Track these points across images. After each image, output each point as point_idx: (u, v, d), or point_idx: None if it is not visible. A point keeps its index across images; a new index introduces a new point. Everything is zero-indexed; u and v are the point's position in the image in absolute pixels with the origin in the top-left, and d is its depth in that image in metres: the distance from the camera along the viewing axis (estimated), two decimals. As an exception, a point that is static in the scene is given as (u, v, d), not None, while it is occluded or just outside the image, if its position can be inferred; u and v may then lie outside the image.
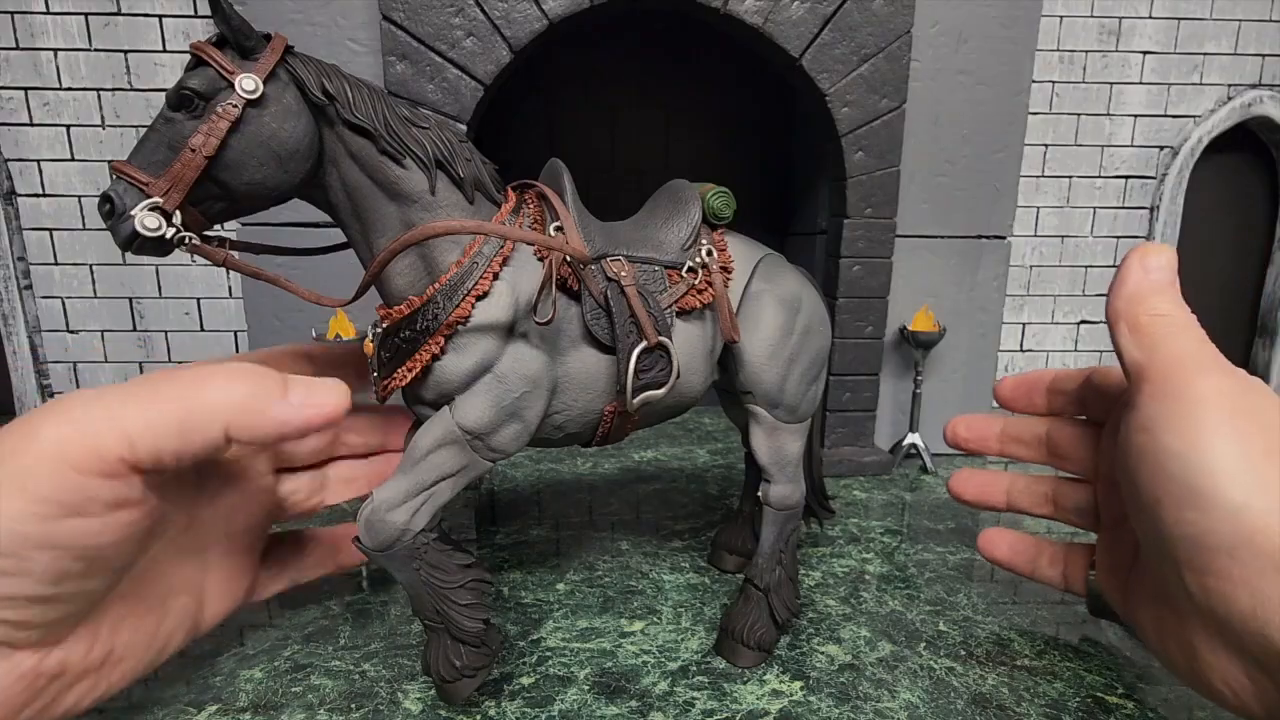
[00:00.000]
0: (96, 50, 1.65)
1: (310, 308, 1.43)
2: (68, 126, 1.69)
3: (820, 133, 1.51)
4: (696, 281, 0.69)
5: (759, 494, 0.81)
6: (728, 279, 0.72)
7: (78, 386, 1.81)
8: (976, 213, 1.53)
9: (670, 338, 0.67)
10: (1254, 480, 0.48)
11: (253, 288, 1.47)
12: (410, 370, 0.56)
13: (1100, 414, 0.74)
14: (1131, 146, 1.93)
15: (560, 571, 0.99)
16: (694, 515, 1.22)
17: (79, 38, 1.64)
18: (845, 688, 0.72)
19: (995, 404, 0.89)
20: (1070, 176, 1.94)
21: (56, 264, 1.75)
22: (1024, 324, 2.00)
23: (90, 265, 1.75)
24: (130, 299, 1.77)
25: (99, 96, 1.68)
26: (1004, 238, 1.55)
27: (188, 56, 0.44)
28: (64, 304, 1.77)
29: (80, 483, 0.44)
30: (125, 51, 1.66)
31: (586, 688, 0.71)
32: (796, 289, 0.76)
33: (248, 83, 0.46)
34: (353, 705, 0.69)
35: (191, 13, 1.64)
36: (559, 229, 0.61)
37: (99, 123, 1.69)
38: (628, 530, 1.14)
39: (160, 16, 1.64)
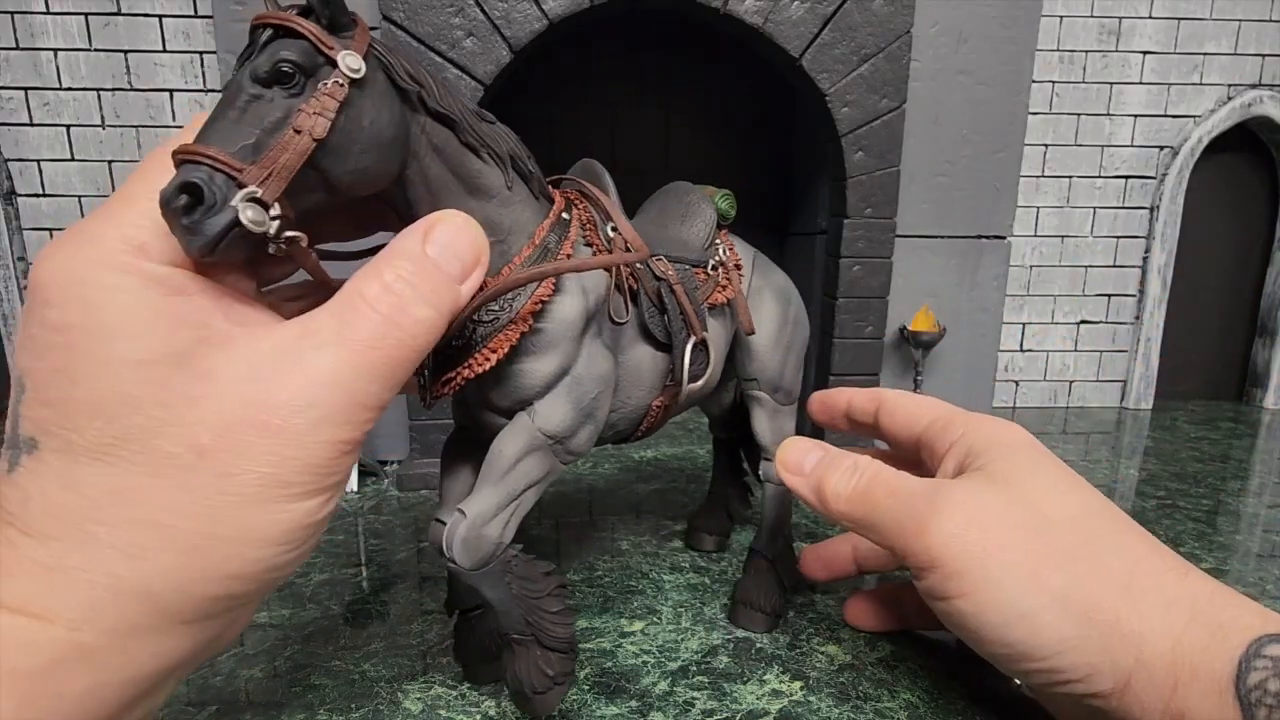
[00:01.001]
0: (96, 50, 1.65)
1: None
2: (68, 126, 1.69)
3: (820, 133, 1.51)
4: (719, 279, 0.74)
5: (760, 473, 0.88)
6: (740, 275, 0.77)
7: (78, 386, 1.81)
8: (976, 213, 1.53)
9: (708, 330, 0.71)
10: (1062, 612, 0.48)
11: (253, 288, 1.47)
12: (494, 351, 0.52)
13: (896, 445, 0.75)
14: (1131, 146, 1.93)
15: (560, 571, 0.99)
16: (693, 516, 1.22)
17: (79, 38, 1.64)
18: (845, 687, 0.72)
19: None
20: (1070, 176, 1.94)
21: (56, 264, 1.74)
22: (1024, 324, 2.00)
23: (90, 265, 1.75)
24: (130, 299, 1.77)
25: (99, 96, 1.68)
26: (1004, 238, 1.55)
27: (261, 28, 0.40)
28: (64, 304, 1.76)
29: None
30: (125, 51, 1.66)
31: (586, 688, 0.71)
32: (785, 283, 0.84)
33: (353, 60, 0.41)
34: (353, 705, 0.69)
35: (191, 12, 1.64)
36: (615, 230, 0.62)
37: (99, 123, 1.69)
38: (628, 530, 1.14)
39: (160, 17, 1.64)
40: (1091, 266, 1.99)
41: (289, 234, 0.38)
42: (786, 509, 0.87)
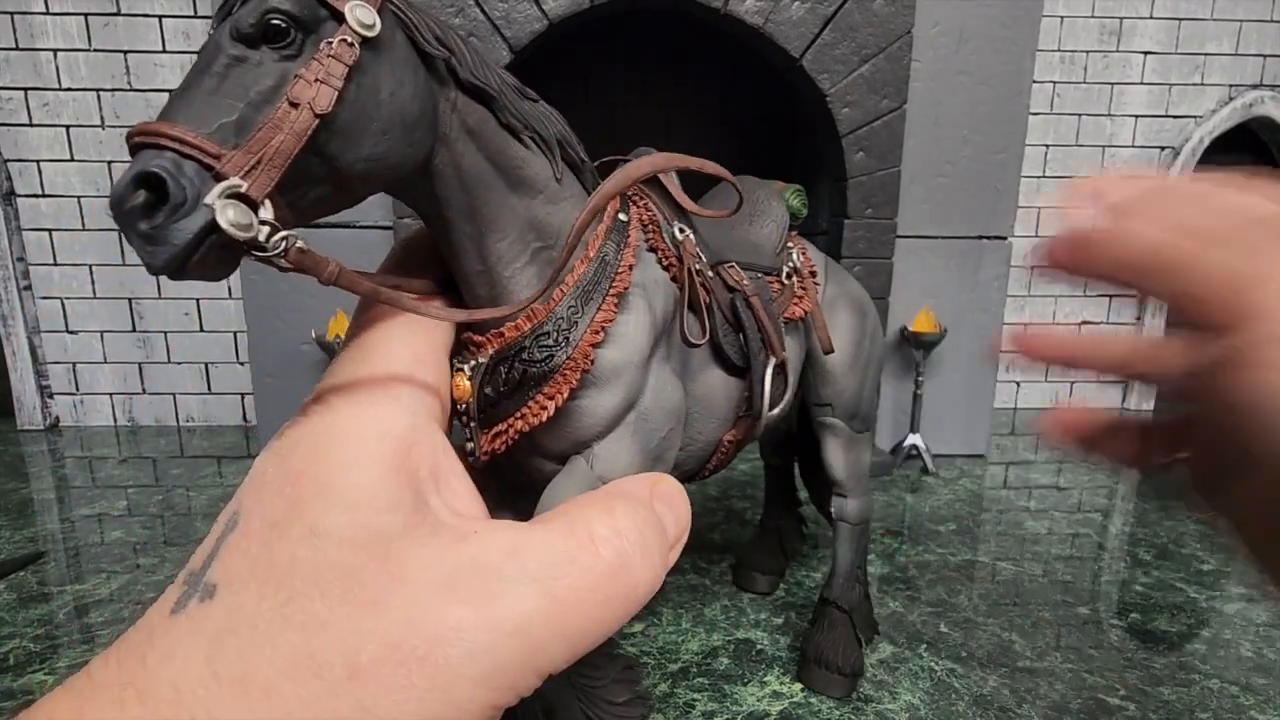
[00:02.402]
0: (96, 50, 1.65)
1: (309, 308, 1.43)
2: (67, 127, 1.69)
3: (821, 133, 1.51)
4: (794, 288, 0.64)
5: (831, 510, 0.77)
6: (815, 285, 0.67)
7: (76, 388, 1.81)
8: (978, 213, 1.53)
9: (786, 350, 0.60)
10: None
11: (252, 288, 1.47)
12: (551, 398, 0.42)
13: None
14: (1133, 147, 1.92)
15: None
16: (695, 517, 1.21)
17: (79, 38, 1.64)
18: (846, 689, 0.71)
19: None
20: (1072, 177, 1.93)
21: (56, 265, 1.74)
22: (1025, 325, 2.00)
23: (90, 266, 1.75)
24: (130, 299, 1.77)
25: (99, 97, 1.67)
26: (1005, 238, 1.55)
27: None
28: (63, 304, 1.76)
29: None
30: (125, 52, 1.66)
31: (586, 689, 0.71)
32: (860, 292, 0.72)
33: (364, 13, 0.31)
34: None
35: (191, 13, 1.64)
36: (684, 232, 0.52)
37: (99, 123, 1.69)
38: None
39: (160, 17, 1.64)
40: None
41: (284, 237, 0.25)
42: (862, 551, 0.76)
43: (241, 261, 0.27)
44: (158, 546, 1.14)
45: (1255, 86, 1.89)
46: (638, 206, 0.52)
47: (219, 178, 0.26)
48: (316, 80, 0.29)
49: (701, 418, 0.56)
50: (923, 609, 0.92)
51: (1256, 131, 1.95)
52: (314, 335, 1.38)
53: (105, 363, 1.80)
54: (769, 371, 0.57)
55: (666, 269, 0.52)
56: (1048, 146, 1.91)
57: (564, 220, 0.44)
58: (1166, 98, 1.90)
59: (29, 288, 1.75)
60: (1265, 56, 1.89)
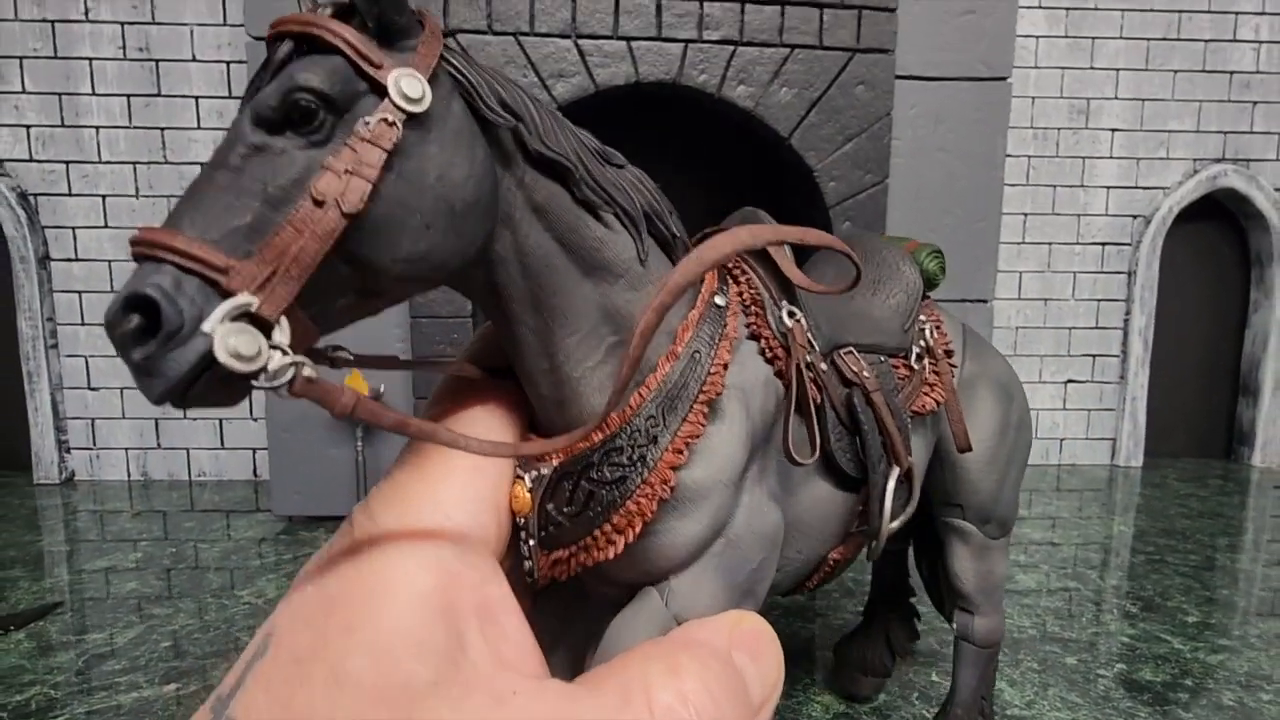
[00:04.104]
0: (135, 128, 1.78)
1: (323, 368, 1.49)
2: (104, 196, 1.80)
3: (810, 204, 1.61)
4: (925, 374, 0.53)
5: (955, 626, 0.66)
6: (951, 367, 0.55)
7: (94, 442, 1.86)
8: (959, 278, 1.61)
9: (912, 454, 0.49)
10: None
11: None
12: (621, 531, 0.35)
13: None
14: (1106, 215, 2.04)
15: None
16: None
17: (120, 116, 1.77)
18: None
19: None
20: (1050, 243, 2.04)
21: (83, 324, 1.82)
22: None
23: (115, 325, 1.83)
24: (151, 357, 1.84)
25: (135, 169, 1.79)
26: (986, 300, 1.63)
27: (264, 44, 0.26)
28: (87, 362, 1.83)
29: None
30: (162, 129, 1.78)
31: None
32: (1005, 371, 0.61)
33: (410, 85, 0.25)
34: None
35: (226, 94, 1.78)
36: (793, 316, 0.43)
37: (134, 193, 1.80)
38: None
39: (197, 98, 1.78)
40: (1075, 328, 2.07)
41: (291, 364, 0.21)
42: (989, 678, 0.66)
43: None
44: (170, 598, 1.18)
45: (1218, 160, 2.02)
46: (739, 283, 0.43)
47: (226, 294, 0.22)
48: (346, 171, 0.24)
49: (803, 536, 0.46)
50: (914, 659, 0.95)
51: (1223, 201, 2.06)
52: (329, 392, 1.44)
53: (123, 418, 1.85)
54: (891, 483, 0.47)
55: (770, 361, 0.42)
56: (1026, 215, 2.02)
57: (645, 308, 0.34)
58: (1135, 170, 2.02)
59: (55, 346, 1.82)
60: (1225, 133, 2.02)
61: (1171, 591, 1.18)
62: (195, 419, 1.87)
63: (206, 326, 0.21)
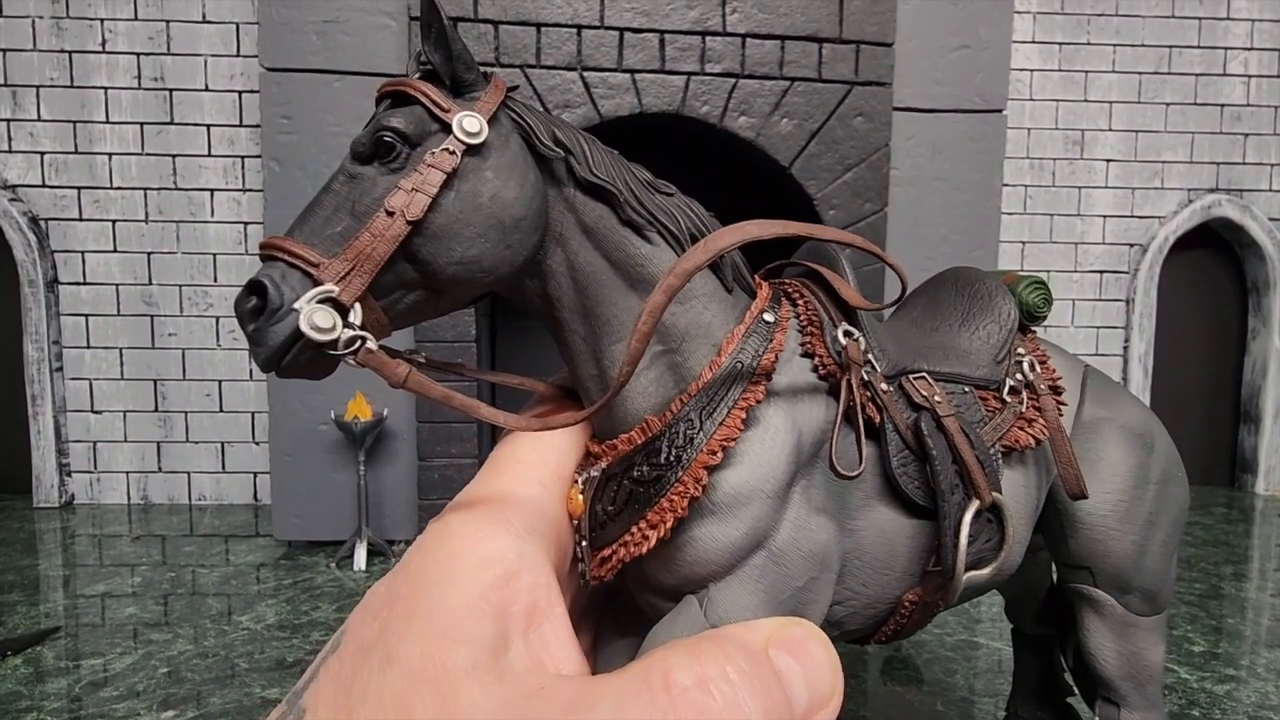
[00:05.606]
0: (147, 154, 1.81)
1: (329, 389, 1.50)
2: (114, 221, 1.82)
3: (810, 231, 1.63)
4: (1022, 408, 0.50)
5: (1097, 715, 0.59)
6: (1060, 404, 0.53)
7: (95, 466, 1.86)
8: (959, 305, 1.63)
9: (1001, 491, 0.47)
10: None
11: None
12: (654, 527, 0.37)
13: None
14: (1103, 244, 2.06)
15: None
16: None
17: (133, 143, 1.80)
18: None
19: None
20: (1048, 271, 2.06)
21: (89, 348, 1.84)
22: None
23: (120, 349, 1.84)
24: (155, 380, 1.85)
25: (145, 195, 1.82)
26: (987, 328, 1.64)
27: (384, 100, 0.35)
28: (91, 385, 1.84)
29: None
30: (173, 156, 1.81)
31: None
32: (1144, 417, 0.57)
33: (470, 122, 0.32)
34: None
35: (237, 122, 1.81)
36: (850, 335, 0.43)
37: (143, 218, 1.82)
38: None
39: (209, 126, 1.81)
40: (1076, 355, 2.08)
41: (355, 338, 0.28)
42: None
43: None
44: (168, 624, 1.17)
45: (1212, 190, 2.05)
46: (800, 304, 0.45)
47: (317, 284, 0.29)
48: (413, 189, 0.31)
49: (866, 568, 0.45)
50: (920, 688, 0.94)
51: (1218, 230, 2.09)
52: (333, 416, 1.45)
53: (125, 441, 1.86)
54: (968, 516, 0.45)
55: (825, 377, 0.42)
56: (1024, 243, 2.04)
57: (691, 321, 0.39)
58: (1131, 200, 2.05)
59: (60, 369, 1.83)
60: (1218, 164, 2.05)
61: (1178, 620, 1.17)
62: (197, 442, 1.87)
63: (297, 305, 0.28)
